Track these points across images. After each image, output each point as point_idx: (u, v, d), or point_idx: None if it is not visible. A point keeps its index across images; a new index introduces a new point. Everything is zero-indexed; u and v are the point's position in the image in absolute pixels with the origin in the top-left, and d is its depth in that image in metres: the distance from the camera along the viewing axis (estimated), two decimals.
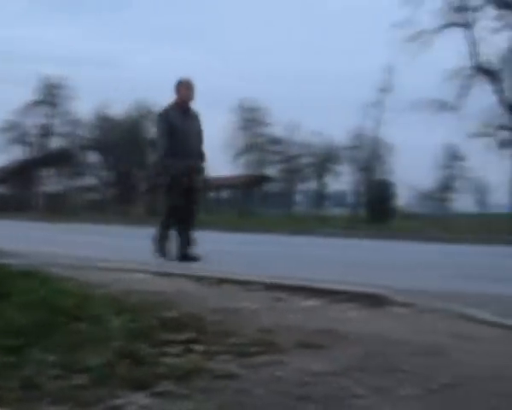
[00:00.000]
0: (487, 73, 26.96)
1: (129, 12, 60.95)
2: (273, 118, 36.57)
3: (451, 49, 29.69)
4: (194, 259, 7.57)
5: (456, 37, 27.16)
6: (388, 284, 4.89)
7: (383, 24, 49.39)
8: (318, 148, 36.25)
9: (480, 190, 40.03)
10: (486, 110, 26.99)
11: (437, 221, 24.54)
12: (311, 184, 37.98)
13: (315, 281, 4.92)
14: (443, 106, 27.04)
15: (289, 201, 38.25)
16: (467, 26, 26.92)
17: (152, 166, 9.62)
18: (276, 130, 37.18)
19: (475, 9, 26.89)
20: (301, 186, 39.04)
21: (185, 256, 7.66)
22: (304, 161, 37.47)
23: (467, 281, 6.16)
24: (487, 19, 26.71)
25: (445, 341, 3.01)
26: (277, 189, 38.63)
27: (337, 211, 33.37)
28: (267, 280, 4.93)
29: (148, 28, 59.99)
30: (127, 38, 58.67)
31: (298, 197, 39.80)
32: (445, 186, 39.11)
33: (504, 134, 27.25)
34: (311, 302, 4.14)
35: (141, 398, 2.08)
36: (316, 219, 25.43)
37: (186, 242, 7.81)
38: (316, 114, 44.55)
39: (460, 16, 27.11)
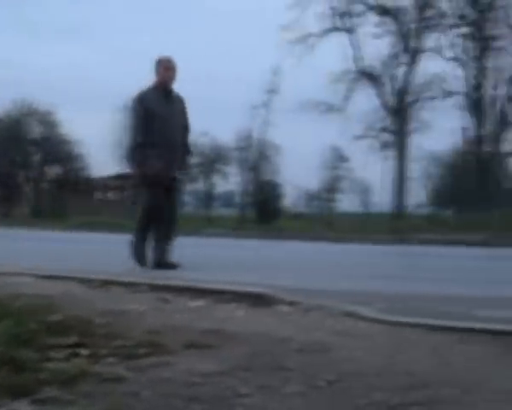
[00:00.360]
0: (369, 77, 27.85)
1: (10, 8, 58.95)
2: None
3: (337, 53, 30.34)
4: (171, 266, 6.69)
5: (341, 41, 27.92)
6: (275, 284, 4.95)
7: (272, 26, 49.98)
8: (206, 148, 36.26)
9: (364, 191, 41.20)
10: (369, 113, 27.89)
11: (323, 221, 25.08)
12: (199, 185, 37.96)
13: (201, 281, 4.92)
14: (329, 108, 27.73)
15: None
16: (350, 30, 27.72)
17: (126, 158, 8.17)
18: None
19: (357, 15, 27.75)
20: (189, 187, 38.93)
21: (162, 264, 6.78)
22: (192, 161, 37.36)
23: (352, 279, 6.31)
24: (369, 25, 27.63)
25: (331, 338, 3.07)
26: None
27: (225, 211, 33.51)
28: (153, 281, 4.89)
29: (29, 25, 58.22)
30: (8, 34, 56.72)
31: (186, 198, 39.68)
32: (331, 186, 39.97)
33: (386, 136, 28.21)
34: (198, 303, 4.13)
35: (22, 406, 2.01)
36: (204, 220, 25.46)
37: (163, 248, 6.90)
38: (204, 114, 44.51)
39: (343, 21, 27.88)
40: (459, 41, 27.30)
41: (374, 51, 27.44)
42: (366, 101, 27.64)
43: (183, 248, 7.15)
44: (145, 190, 7.10)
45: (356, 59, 27.76)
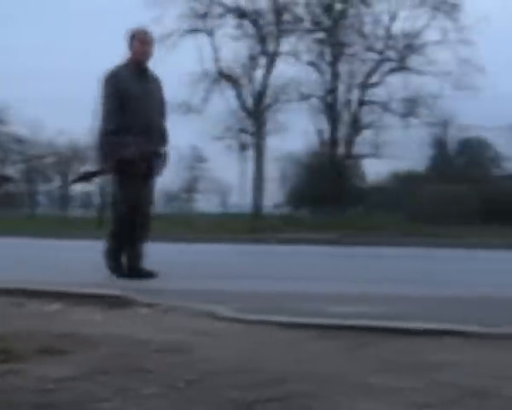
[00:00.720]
0: (228, 78, 28.12)
1: None
2: (14, 116, 35.02)
3: (197, 54, 30.29)
4: (147, 275, 5.93)
5: (201, 42, 28.01)
6: (132, 285, 4.89)
7: (130, 24, 49.27)
8: (62, 147, 35.31)
9: (223, 191, 41.62)
10: (228, 114, 28.16)
11: (182, 221, 25.02)
12: (55, 185, 36.91)
13: (57, 284, 4.79)
14: (189, 108, 27.72)
15: (32, 202, 36.87)
16: (209, 32, 27.86)
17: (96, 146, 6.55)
18: (18, 129, 35.68)
19: (217, 17, 27.94)
20: (44, 187, 37.79)
21: (136, 271, 5.99)
22: (47, 161, 36.32)
23: (210, 279, 6.34)
24: (228, 26, 27.91)
25: (190, 339, 3.07)
26: (19, 189, 37.06)
27: (82, 212, 32.78)
28: (3, 285, 4.69)
29: None
30: None
31: (41, 198, 38.50)
32: (190, 187, 40.05)
33: (244, 137, 28.61)
34: (54, 306, 4.01)
35: None
36: (60, 221, 24.76)
37: (137, 252, 6.13)
38: (60, 113, 43.40)
39: (202, 22, 27.98)
40: (314, 46, 28.11)
41: (232, 53, 27.76)
42: (225, 102, 27.93)
43: (39, 249, 6.93)
44: (120, 185, 6.17)
45: (215, 60, 27.95)
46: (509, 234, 15.78)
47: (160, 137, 6.25)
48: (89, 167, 6.52)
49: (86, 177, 7.34)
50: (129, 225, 6.11)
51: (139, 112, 6.00)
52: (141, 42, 6.18)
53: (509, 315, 4.02)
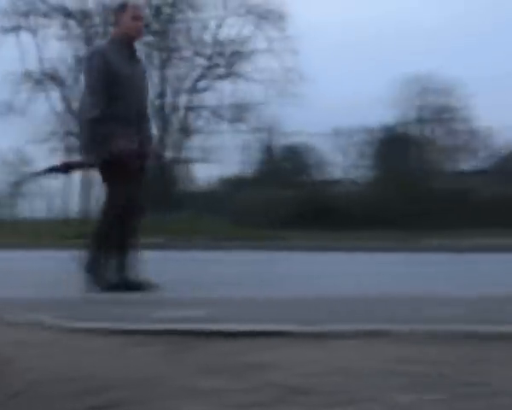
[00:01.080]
0: (54, 79, 27.33)
1: None
2: None
3: (20, 53, 29.10)
4: (141, 287, 5.25)
5: (24, 40, 27.03)
6: None
7: None
8: None
9: (49, 195, 40.23)
10: (55, 115, 27.37)
11: (5, 226, 24.00)
12: None
13: None
14: (10, 109, 26.65)
15: None
16: (33, 30, 26.94)
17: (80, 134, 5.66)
18: None
19: (42, 15, 27.09)
20: None
21: (127, 283, 5.32)
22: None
23: (34, 287, 6.16)
24: (54, 26, 27.14)
25: (12, 349, 2.97)
26: None
27: None
28: None
29: None
30: None
31: None
32: (14, 191, 38.42)
33: (70, 140, 27.92)
34: None
35: None
36: None
37: (125, 261, 5.48)
38: None
39: (26, 20, 27.01)
40: (144, 49, 27.96)
41: (59, 53, 26.99)
42: (50, 104, 27.10)
43: None
44: (110, 183, 5.37)
45: (40, 60, 27.04)
46: (331, 237, 16.51)
47: (148, 129, 5.64)
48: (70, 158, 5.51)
49: (64, 168, 6.43)
50: (117, 230, 5.43)
51: (130, 97, 5.29)
52: (132, 17, 5.39)
53: (328, 315, 4.19)
